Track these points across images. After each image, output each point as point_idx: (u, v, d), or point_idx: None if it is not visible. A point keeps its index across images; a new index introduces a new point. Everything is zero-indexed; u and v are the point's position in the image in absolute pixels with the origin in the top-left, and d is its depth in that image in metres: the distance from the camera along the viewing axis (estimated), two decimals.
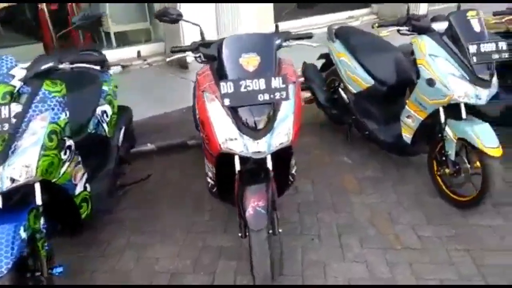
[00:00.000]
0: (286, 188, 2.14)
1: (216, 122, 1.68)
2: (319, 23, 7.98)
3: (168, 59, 2.06)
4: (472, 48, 2.11)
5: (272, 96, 1.61)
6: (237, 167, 1.78)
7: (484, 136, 2.17)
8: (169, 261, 2.17)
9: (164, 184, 2.87)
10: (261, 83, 1.60)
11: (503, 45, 2.16)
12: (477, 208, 2.39)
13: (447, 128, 2.34)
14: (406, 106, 2.54)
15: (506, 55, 2.17)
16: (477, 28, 2.18)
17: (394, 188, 2.73)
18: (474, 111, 3.21)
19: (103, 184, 2.26)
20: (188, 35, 5.39)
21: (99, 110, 2.28)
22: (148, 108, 3.85)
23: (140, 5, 5.92)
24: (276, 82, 1.61)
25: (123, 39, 6.11)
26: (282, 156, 1.90)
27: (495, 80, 2.26)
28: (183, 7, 5.31)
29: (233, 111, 1.66)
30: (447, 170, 2.41)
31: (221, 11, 5.97)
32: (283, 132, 1.70)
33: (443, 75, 2.21)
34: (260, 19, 7.45)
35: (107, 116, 2.33)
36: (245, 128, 1.65)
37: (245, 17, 5.88)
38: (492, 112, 3.15)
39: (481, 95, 2.20)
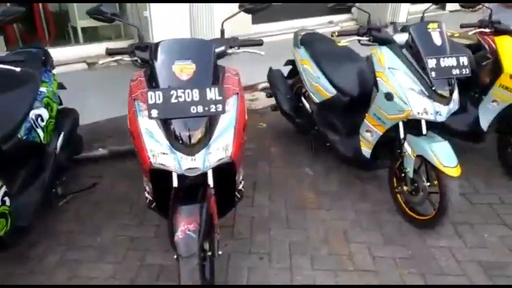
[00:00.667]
0: (233, 205, 1.99)
1: (146, 135, 1.52)
2: (297, 26, 7.88)
3: (101, 62, 1.86)
4: (431, 63, 2.01)
5: (206, 108, 1.46)
6: (174, 183, 1.63)
7: (443, 155, 2.07)
8: (103, 281, 1.99)
9: (111, 194, 2.68)
10: (195, 94, 1.44)
11: (464, 60, 2.07)
12: (436, 228, 2.31)
13: (406, 144, 2.24)
14: (365, 120, 2.43)
15: (467, 70, 2.08)
16: (438, 41, 2.08)
17: (354, 204, 2.62)
18: (440, 125, 3.18)
19: (35, 195, 2.07)
20: (158, 32, 5.22)
21: (32, 113, 2.09)
22: (107, 110, 3.65)
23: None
24: (212, 94, 1.46)
25: (93, 35, 5.87)
26: (226, 172, 1.76)
27: (456, 96, 2.17)
28: (156, 8, 5.14)
29: (165, 123, 1.51)
30: (405, 188, 2.31)
31: (195, 14, 5.81)
32: (221, 147, 1.55)
33: (402, 90, 2.10)
34: (236, 22, 7.34)
35: (42, 120, 2.13)
36: (177, 142, 1.50)
37: (220, 19, 5.71)
38: (459, 126, 3.12)
39: (441, 112, 2.10)
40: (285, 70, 3.41)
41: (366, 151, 2.47)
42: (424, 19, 2.35)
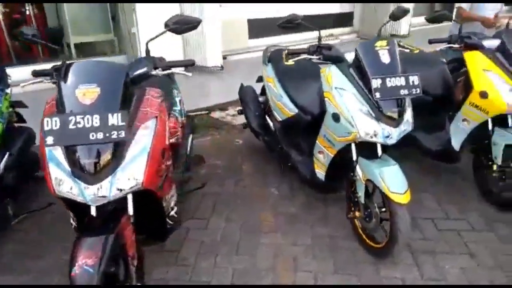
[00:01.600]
0: (165, 232, 1.91)
1: (51, 161, 1.46)
2: (295, 40, 7.84)
3: (22, 84, 1.82)
4: (376, 83, 1.89)
5: (107, 135, 1.40)
6: (92, 211, 1.56)
7: (391, 180, 1.95)
8: None
9: (64, 214, 2.63)
10: (95, 120, 1.39)
11: (414, 79, 1.95)
12: (393, 257, 2.17)
13: (357, 168, 2.12)
14: (317, 141, 2.32)
15: (418, 90, 1.96)
16: (385, 59, 1.97)
17: (312, 228, 2.49)
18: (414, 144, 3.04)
19: None
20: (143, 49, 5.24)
21: None
22: None
23: (103, 15, 5.79)
24: (114, 119, 1.40)
25: (87, 51, 5.96)
26: (151, 199, 1.69)
27: (407, 117, 2.04)
28: (144, 24, 5.17)
29: (67, 150, 1.45)
30: (357, 213, 2.18)
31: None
32: (130, 174, 1.48)
33: (348, 111, 1.99)
34: (234, 36, 7.34)
35: None
36: (81, 170, 1.44)
37: (210, 34, 5.73)
38: (432, 145, 2.97)
39: (392, 134, 1.98)
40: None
41: (320, 173, 2.36)
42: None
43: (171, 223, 1.89)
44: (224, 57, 6.62)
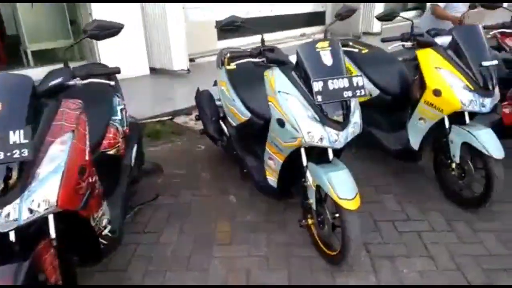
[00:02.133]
0: (100, 253, 1.78)
1: None
2: (268, 40, 7.75)
3: None
4: (317, 86, 1.80)
5: (8, 154, 1.26)
6: (11, 236, 1.42)
7: (340, 185, 1.86)
8: None
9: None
10: None
11: (358, 80, 1.87)
12: (351, 264, 2.08)
13: (307, 173, 2.03)
14: (266, 147, 2.22)
15: (362, 92, 1.87)
16: (327, 61, 1.87)
17: (269, 236, 2.39)
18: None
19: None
20: (104, 54, 5.07)
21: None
22: None
23: (62, 21, 5.57)
24: (16, 137, 1.27)
25: (46, 58, 5.73)
26: (76, 219, 1.55)
27: (355, 119, 1.95)
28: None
29: None
30: (310, 220, 2.08)
31: (151, 36, 5.67)
32: (42, 195, 1.34)
33: (292, 116, 1.89)
34: (202, 38, 7.20)
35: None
36: None
37: (175, 36, 5.59)
38: (392, 145, 2.92)
39: (338, 138, 1.89)
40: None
41: (272, 179, 2.26)
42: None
43: (105, 242, 1.75)
44: (193, 60, 6.48)
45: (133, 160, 2.30)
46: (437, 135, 2.61)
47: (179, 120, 4.29)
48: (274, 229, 2.45)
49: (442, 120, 2.50)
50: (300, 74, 1.91)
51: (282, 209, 2.62)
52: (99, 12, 4.84)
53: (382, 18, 2.55)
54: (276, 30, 8.27)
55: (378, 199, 2.76)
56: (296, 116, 1.88)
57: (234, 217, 2.59)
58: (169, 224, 2.53)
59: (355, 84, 1.86)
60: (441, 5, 3.69)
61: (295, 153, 2.07)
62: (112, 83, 1.76)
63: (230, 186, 2.95)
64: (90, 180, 1.56)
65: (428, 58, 2.45)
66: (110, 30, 1.68)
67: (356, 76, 1.88)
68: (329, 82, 1.82)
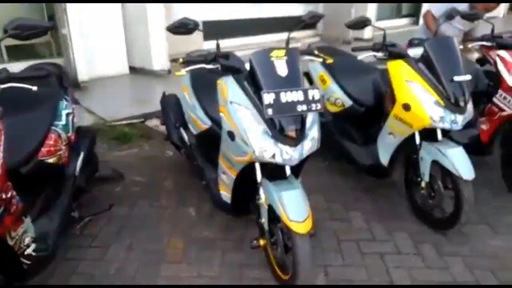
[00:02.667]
0: (27, 274, 1.62)
1: None
2: (254, 43, 7.60)
3: None
4: (267, 98, 1.64)
5: None
6: None
7: (291, 206, 1.71)
8: None
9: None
10: None
11: (314, 93, 1.72)
12: None
13: (261, 190, 1.88)
14: (219, 161, 2.07)
15: (318, 106, 1.72)
16: (282, 71, 1.72)
17: (224, 255, 2.24)
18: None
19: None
20: (82, 51, 4.89)
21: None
22: None
23: (39, 15, 5.37)
24: None
25: (23, 54, 5.54)
26: None
27: (312, 135, 1.80)
28: (77, 25, 4.81)
29: None
30: (261, 241, 1.93)
31: (130, 30, 5.50)
32: None
33: (243, 129, 1.74)
34: (188, 39, 7.04)
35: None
36: None
37: (155, 36, 5.43)
38: (363, 160, 2.79)
39: (293, 155, 1.74)
40: None
41: (226, 195, 2.11)
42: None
43: (28, 262, 1.59)
44: (175, 60, 6.32)
45: (78, 169, 2.14)
46: (407, 151, 2.48)
47: (151, 123, 4.12)
48: (231, 247, 2.30)
49: (413, 135, 2.37)
50: (253, 84, 1.76)
51: (244, 226, 2.46)
52: (76, 7, 4.68)
53: (352, 26, 2.41)
54: (265, 33, 8.14)
55: (345, 217, 2.62)
56: (247, 130, 1.73)
57: (190, 233, 2.43)
58: (119, 238, 2.37)
59: (310, 98, 1.71)
60: (443, 26, 3.54)
61: (250, 168, 1.92)
62: (35, 88, 1.59)
63: (191, 197, 2.79)
64: (4, 196, 1.40)
65: (399, 71, 2.31)
66: (34, 30, 1.52)
67: (312, 88, 1.73)
68: (282, 94, 1.67)
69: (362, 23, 2.38)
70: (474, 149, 2.93)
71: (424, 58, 2.24)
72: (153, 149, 3.61)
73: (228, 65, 1.87)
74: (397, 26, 9.40)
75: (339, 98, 2.89)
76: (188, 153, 2.71)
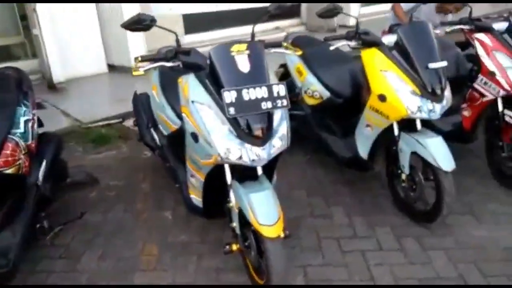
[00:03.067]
0: None
1: None
2: (236, 34, 7.44)
3: None
4: (228, 96, 1.55)
5: None
6: None
7: (260, 209, 1.62)
8: None
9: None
10: None
11: (280, 89, 1.63)
12: None
13: (231, 193, 1.79)
14: (187, 164, 1.98)
15: (284, 102, 1.63)
16: (244, 67, 1.62)
17: (199, 261, 2.15)
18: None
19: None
20: (57, 51, 4.72)
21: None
22: None
23: (11, 16, 5.20)
24: None
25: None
26: None
27: (280, 133, 1.71)
28: (49, 25, 4.65)
29: None
30: (234, 246, 1.85)
31: (106, 27, 5.34)
32: None
33: (206, 129, 1.64)
34: (167, 33, 6.86)
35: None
36: None
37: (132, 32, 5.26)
38: (343, 152, 2.71)
39: (260, 155, 1.65)
40: None
41: (196, 198, 2.02)
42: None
43: None
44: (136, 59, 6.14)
45: (41, 178, 2.03)
46: (387, 143, 2.40)
47: (129, 123, 3.98)
48: (207, 251, 2.22)
49: (392, 126, 2.28)
50: (215, 81, 1.66)
51: (221, 228, 2.37)
52: (46, 7, 4.51)
53: (322, 14, 2.30)
54: (247, 23, 7.97)
55: (326, 212, 2.54)
56: (210, 130, 1.64)
57: (165, 237, 2.34)
58: (91, 247, 2.28)
59: (275, 94, 1.62)
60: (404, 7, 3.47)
61: (219, 169, 1.83)
62: None
63: (168, 200, 2.70)
64: None
65: (373, 60, 2.22)
66: None
67: (277, 84, 1.64)
68: (244, 91, 1.57)
69: (331, 11, 2.28)
70: (458, 136, 2.88)
71: (398, 46, 2.15)
72: (131, 150, 3.50)
73: (188, 62, 1.76)
74: (385, 11, 9.29)
75: (316, 90, 2.79)
76: (161, 154, 2.61)
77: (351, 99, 2.70)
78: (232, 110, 1.55)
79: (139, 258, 2.18)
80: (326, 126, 2.84)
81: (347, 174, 2.88)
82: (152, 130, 2.56)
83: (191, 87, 1.71)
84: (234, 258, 2.10)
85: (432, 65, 2.08)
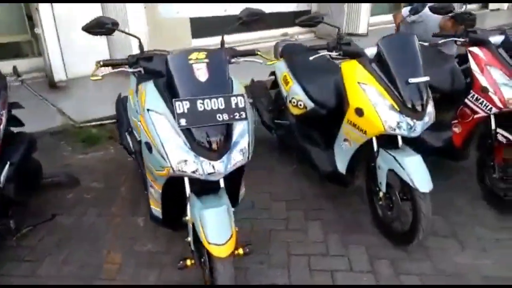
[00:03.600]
0: None
1: None
2: (243, 40, 7.39)
3: None
4: (180, 106, 1.48)
5: None
6: None
7: (211, 227, 1.55)
8: None
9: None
10: None
11: (239, 100, 1.55)
12: None
13: (188, 207, 1.72)
14: (146, 173, 1.92)
15: (243, 114, 1.55)
16: (202, 76, 1.56)
17: (162, 271, 2.10)
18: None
19: None
20: (52, 49, 4.77)
21: None
22: None
23: (19, 14, 5.29)
24: None
25: (4, 52, 5.46)
26: None
27: (240, 147, 1.62)
28: (51, 24, 4.68)
29: None
30: (189, 262, 1.77)
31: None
32: None
33: (159, 140, 1.58)
34: (176, 35, 6.85)
35: None
36: None
37: (136, 32, 5.27)
38: (324, 166, 2.61)
39: (216, 170, 1.57)
40: None
41: (156, 210, 1.95)
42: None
43: None
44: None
45: (3, 180, 2.01)
46: (366, 159, 2.29)
47: None
48: (171, 262, 2.15)
49: (371, 141, 2.18)
50: (170, 91, 1.59)
51: None
52: (48, 6, 4.56)
53: (302, 23, 2.21)
54: (256, 29, 7.91)
55: (303, 227, 2.45)
56: (164, 141, 1.57)
57: (133, 245, 2.29)
58: (57, 251, 2.25)
59: (233, 106, 1.54)
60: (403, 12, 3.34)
61: (179, 181, 1.76)
62: None
63: (144, 206, 2.62)
64: None
65: (352, 72, 2.12)
66: None
67: (236, 96, 1.56)
68: (198, 102, 1.50)
69: (312, 19, 2.19)
70: (448, 153, 2.74)
71: (379, 58, 2.05)
72: (118, 152, 3.46)
73: (149, 68, 1.71)
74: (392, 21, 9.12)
75: (301, 100, 2.70)
76: (135, 159, 2.57)
77: (335, 110, 2.60)
78: (183, 122, 1.48)
79: (102, 266, 2.14)
80: (310, 137, 2.74)
81: (331, 187, 2.76)
82: (127, 134, 2.51)
83: (148, 94, 1.65)
84: (196, 272, 2.04)
85: (413, 80, 1.96)
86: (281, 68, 2.89)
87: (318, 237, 2.35)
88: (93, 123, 3.93)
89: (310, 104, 2.67)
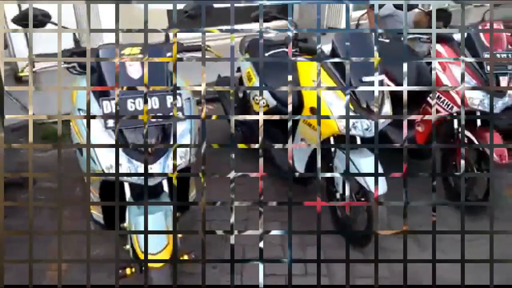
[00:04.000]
0: None
1: None
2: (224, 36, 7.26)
3: None
4: (108, 106, 1.39)
5: None
6: None
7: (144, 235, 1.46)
8: None
9: None
10: None
11: (177, 101, 1.45)
12: None
13: (126, 213, 1.63)
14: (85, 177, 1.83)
15: (179, 114, 1.47)
16: (135, 73, 1.46)
17: (107, 279, 2.01)
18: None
19: None
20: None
21: None
22: None
23: None
24: None
25: None
26: None
27: (180, 149, 1.55)
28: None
29: None
30: (129, 270, 1.69)
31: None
32: None
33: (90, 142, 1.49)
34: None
35: None
36: None
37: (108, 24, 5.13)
38: (285, 167, 2.53)
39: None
40: None
41: (97, 215, 1.86)
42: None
43: None
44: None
45: None
46: (325, 159, 2.23)
47: None
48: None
49: (329, 141, 2.11)
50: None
51: None
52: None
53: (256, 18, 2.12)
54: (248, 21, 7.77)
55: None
56: (94, 143, 1.48)
57: (80, 251, 2.20)
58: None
59: (169, 105, 1.46)
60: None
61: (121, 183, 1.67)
62: None
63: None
64: None
65: (306, 69, 2.05)
66: None
67: (171, 94, 1.47)
68: (129, 101, 1.41)
69: (266, 14, 2.10)
70: (412, 151, 2.70)
71: (332, 55, 1.98)
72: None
73: (82, 63, 1.60)
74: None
75: (263, 97, 2.62)
76: None
77: (297, 109, 2.53)
78: (110, 122, 1.39)
79: (45, 272, 2.04)
80: (272, 136, 2.67)
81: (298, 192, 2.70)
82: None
83: (78, 93, 1.55)
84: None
85: (367, 79, 1.90)
86: (246, 64, 2.81)
87: (275, 240, 2.29)
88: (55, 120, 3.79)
89: (273, 102, 2.60)
